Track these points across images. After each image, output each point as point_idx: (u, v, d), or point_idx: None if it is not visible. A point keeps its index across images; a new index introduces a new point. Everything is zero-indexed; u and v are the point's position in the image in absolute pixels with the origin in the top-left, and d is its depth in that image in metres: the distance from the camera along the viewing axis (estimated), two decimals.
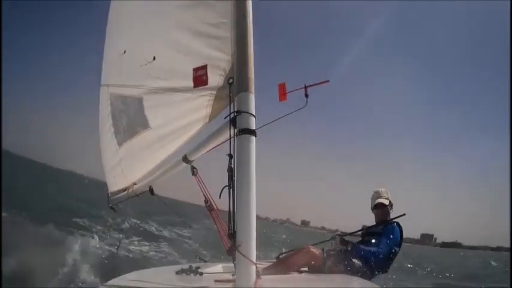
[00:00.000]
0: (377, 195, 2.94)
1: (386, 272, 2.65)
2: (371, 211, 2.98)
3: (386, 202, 2.87)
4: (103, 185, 3.08)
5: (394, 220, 2.78)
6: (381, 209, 2.87)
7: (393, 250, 2.63)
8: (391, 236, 2.64)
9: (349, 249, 2.58)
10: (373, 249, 2.55)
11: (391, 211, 2.90)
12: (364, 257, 2.50)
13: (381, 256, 2.52)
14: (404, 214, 2.76)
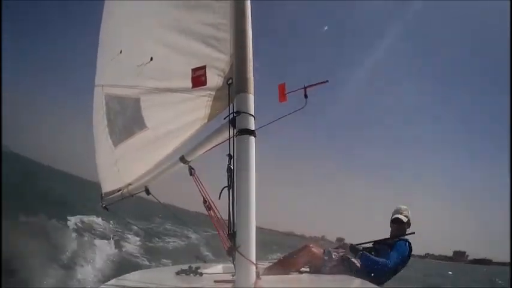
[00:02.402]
0: (397, 211, 3.04)
1: (381, 285, 2.67)
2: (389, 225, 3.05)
3: (404, 219, 2.95)
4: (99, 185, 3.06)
5: (406, 238, 2.86)
6: (397, 225, 2.96)
7: (399, 267, 2.69)
8: (401, 253, 2.71)
9: (358, 258, 2.61)
10: (381, 260, 2.60)
11: (408, 229, 2.97)
12: (368, 266, 2.54)
13: (387, 269, 2.56)
14: (413, 233, 2.88)
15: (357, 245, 2.85)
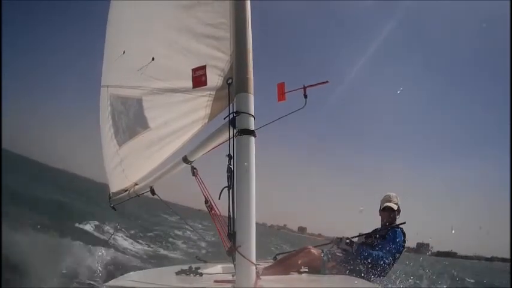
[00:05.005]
0: (387, 198, 2.96)
1: (384, 276, 2.64)
2: (378, 213, 2.99)
3: (395, 207, 2.89)
4: (102, 186, 3.09)
5: (397, 225, 2.79)
6: (387, 213, 2.89)
7: (395, 256, 2.64)
8: (395, 241, 2.66)
9: (354, 251, 2.57)
10: (375, 253, 2.55)
11: (397, 217, 2.91)
12: (365, 259, 2.49)
13: (383, 261, 2.51)
14: (404, 222, 2.80)
15: (354, 237, 2.80)
